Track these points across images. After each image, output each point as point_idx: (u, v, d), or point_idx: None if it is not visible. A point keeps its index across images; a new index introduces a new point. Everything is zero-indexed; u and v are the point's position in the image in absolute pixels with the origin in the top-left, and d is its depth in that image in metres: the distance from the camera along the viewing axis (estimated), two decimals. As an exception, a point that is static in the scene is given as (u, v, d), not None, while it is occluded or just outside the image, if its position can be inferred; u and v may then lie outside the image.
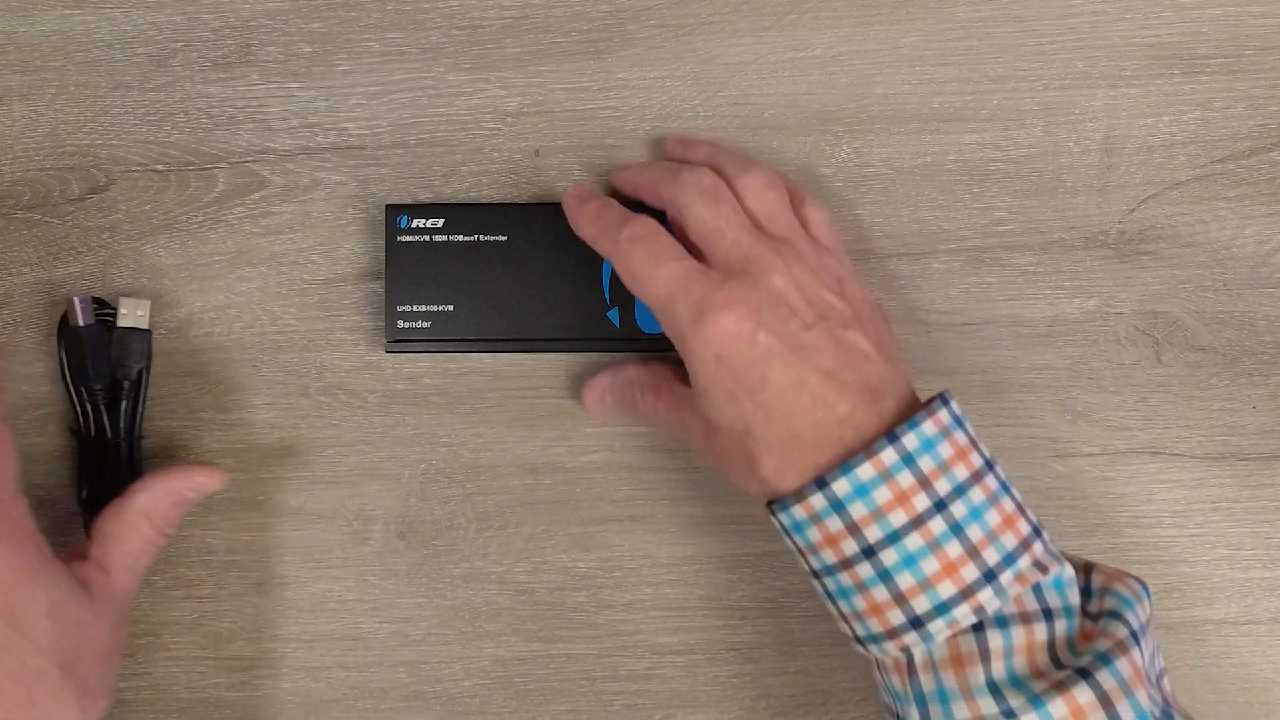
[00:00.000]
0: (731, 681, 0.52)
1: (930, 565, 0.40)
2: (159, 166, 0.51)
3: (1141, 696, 0.39)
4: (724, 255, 0.43)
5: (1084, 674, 0.39)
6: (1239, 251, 0.50)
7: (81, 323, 0.49)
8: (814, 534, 0.41)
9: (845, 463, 0.40)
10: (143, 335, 0.50)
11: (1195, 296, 0.50)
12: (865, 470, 0.40)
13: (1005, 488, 0.42)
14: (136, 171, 0.51)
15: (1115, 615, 0.41)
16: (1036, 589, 0.41)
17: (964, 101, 0.50)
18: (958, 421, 0.42)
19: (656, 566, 0.51)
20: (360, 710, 0.51)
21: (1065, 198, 0.50)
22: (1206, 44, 0.50)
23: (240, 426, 0.52)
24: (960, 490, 0.41)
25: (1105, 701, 0.38)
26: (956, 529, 0.40)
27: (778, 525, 0.43)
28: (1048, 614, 0.41)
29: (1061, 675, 0.39)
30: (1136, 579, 0.43)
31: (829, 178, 0.50)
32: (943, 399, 0.42)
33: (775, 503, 0.43)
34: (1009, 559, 0.40)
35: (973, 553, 0.40)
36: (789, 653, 0.51)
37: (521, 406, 0.51)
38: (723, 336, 0.41)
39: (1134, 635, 0.40)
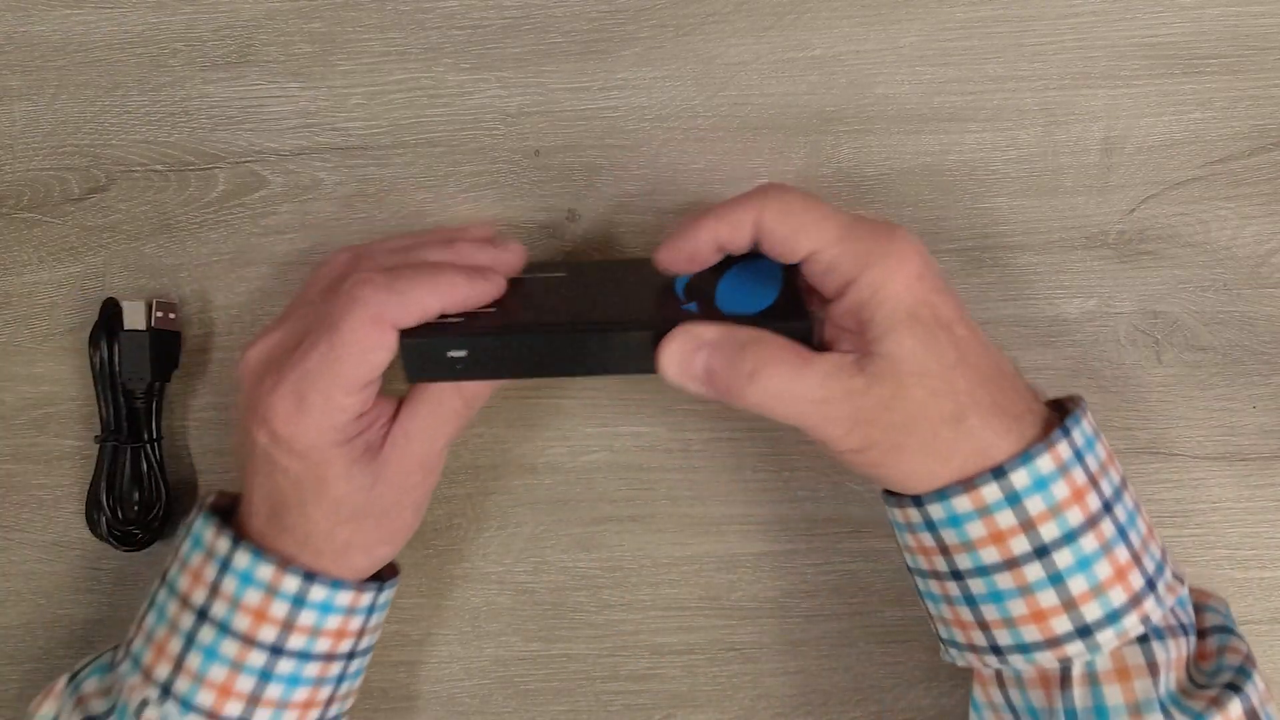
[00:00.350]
0: (731, 681, 0.52)
1: (1104, 569, 0.38)
2: (159, 166, 0.51)
3: (1274, 708, 0.39)
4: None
5: (1234, 689, 0.38)
6: (1239, 251, 0.50)
7: (143, 326, 0.49)
8: (977, 529, 0.38)
9: (1025, 452, 0.38)
10: (175, 338, 0.50)
11: (1195, 296, 0.50)
12: (1045, 462, 0.38)
13: (1122, 533, 0.40)
14: (136, 171, 0.51)
15: (1228, 631, 0.41)
16: (1180, 602, 0.40)
17: (964, 101, 0.50)
18: (1078, 456, 0.40)
19: (656, 566, 0.52)
20: (360, 710, 0.51)
21: (1065, 198, 0.50)
22: (1206, 44, 0.50)
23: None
24: (1119, 492, 0.39)
25: (1252, 715, 0.38)
26: (1122, 532, 0.39)
27: (918, 518, 0.40)
28: (1185, 629, 0.40)
29: (1213, 691, 0.38)
30: (1216, 595, 0.44)
31: (829, 178, 0.50)
32: (1063, 428, 0.39)
33: (928, 493, 0.39)
34: (1159, 568, 0.40)
35: (1136, 558, 0.39)
36: (789, 653, 0.51)
37: (521, 406, 0.51)
38: (919, 265, 0.38)
39: (1250, 652, 0.40)
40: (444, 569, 0.52)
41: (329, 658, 0.42)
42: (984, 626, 0.40)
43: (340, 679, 0.43)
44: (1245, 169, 0.50)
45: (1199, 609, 0.42)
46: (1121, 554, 0.38)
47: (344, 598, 0.42)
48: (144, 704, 0.41)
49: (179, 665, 0.41)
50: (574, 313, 0.42)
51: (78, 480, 0.52)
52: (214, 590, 0.41)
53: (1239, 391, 0.50)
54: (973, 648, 0.41)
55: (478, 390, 0.42)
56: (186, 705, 0.41)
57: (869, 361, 0.38)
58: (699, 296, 0.42)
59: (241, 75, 0.51)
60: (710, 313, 0.41)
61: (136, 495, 0.50)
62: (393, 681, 0.52)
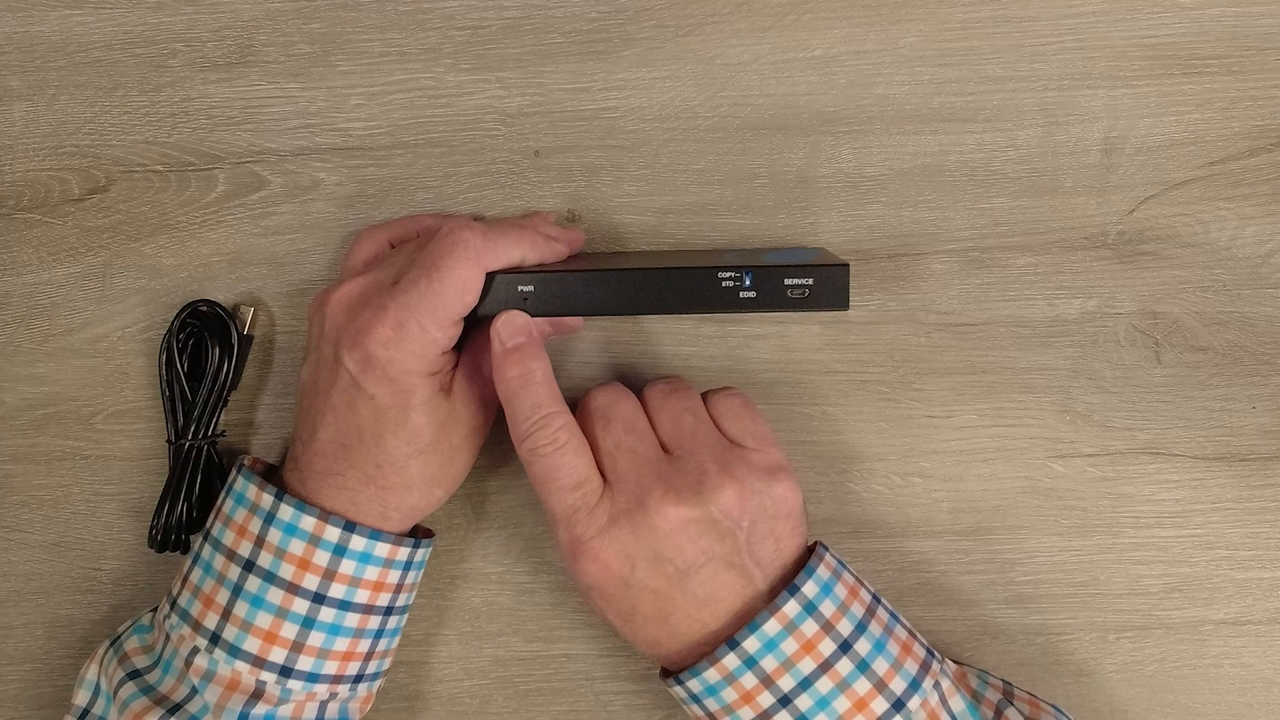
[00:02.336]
0: (731, 681, 0.52)
1: (842, 704, 0.42)
2: (159, 167, 0.51)
3: None
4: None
5: None
6: (1239, 252, 0.50)
7: (248, 331, 0.50)
8: (729, 694, 0.42)
9: (751, 621, 0.42)
10: (250, 341, 0.51)
11: (1195, 297, 0.50)
12: (771, 625, 0.41)
13: (895, 616, 0.44)
14: (136, 172, 0.51)
15: None
16: (951, 715, 0.43)
17: (964, 101, 0.50)
18: (841, 563, 0.44)
19: (656, 566, 0.51)
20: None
21: (1065, 198, 0.50)
22: (1206, 44, 0.50)
23: (241, 426, 0.52)
24: (861, 627, 0.42)
25: None
26: (863, 666, 0.42)
27: (684, 693, 0.44)
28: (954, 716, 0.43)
29: None
30: (1052, 705, 0.46)
31: (829, 178, 0.50)
32: (821, 545, 0.44)
33: (680, 672, 0.43)
34: (914, 685, 0.42)
35: (880, 686, 0.42)
36: (789, 653, 0.51)
37: (521, 407, 0.51)
38: (598, 573, 0.43)
39: None
40: (444, 569, 0.52)
41: (368, 609, 0.45)
42: None
43: (378, 634, 0.46)
44: (1245, 169, 0.50)
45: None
46: (861, 686, 0.42)
47: (382, 549, 0.44)
48: (194, 652, 0.44)
49: (227, 614, 0.43)
50: (627, 264, 0.46)
51: (78, 480, 0.52)
52: (259, 542, 0.44)
53: (1239, 392, 0.50)
54: None
55: None
56: (234, 652, 0.43)
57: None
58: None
59: (241, 75, 0.51)
60: (758, 268, 0.43)
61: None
62: (393, 681, 0.52)
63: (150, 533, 0.49)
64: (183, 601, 0.45)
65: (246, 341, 0.50)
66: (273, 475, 0.47)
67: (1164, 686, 0.51)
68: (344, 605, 0.44)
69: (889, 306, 0.50)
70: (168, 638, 0.45)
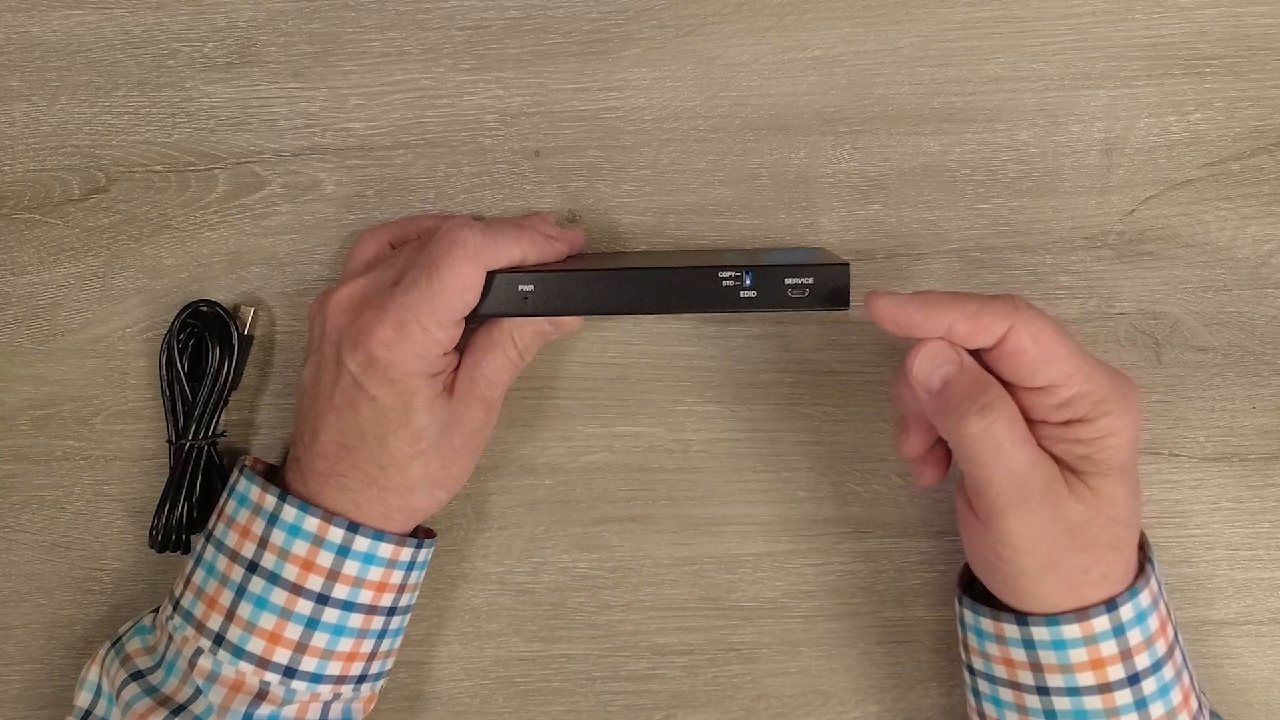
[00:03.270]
0: (731, 681, 0.52)
1: (1176, 696, 0.42)
2: (159, 167, 0.51)
3: None
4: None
5: None
6: (1239, 252, 0.50)
7: (248, 331, 0.50)
8: (1079, 655, 0.41)
9: (1132, 587, 0.41)
10: (250, 341, 0.51)
11: (1195, 297, 0.50)
12: (1145, 597, 0.41)
13: (1185, 661, 0.44)
14: (137, 172, 0.51)
15: None
16: None
17: (964, 102, 0.50)
18: (1161, 590, 0.44)
19: (656, 566, 0.52)
20: (360, 710, 0.51)
21: (1065, 198, 0.50)
22: (1206, 44, 0.50)
23: (242, 426, 0.52)
24: (1157, 666, 0.42)
25: None
26: (1141, 704, 0.41)
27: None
28: None
29: None
30: None
31: (829, 178, 0.50)
32: (1151, 563, 0.44)
33: (967, 597, 0.43)
34: (1201, 690, 0.44)
35: (1194, 682, 0.43)
36: (789, 653, 0.51)
37: (521, 406, 0.51)
38: (1139, 426, 0.41)
39: None
40: (444, 569, 0.52)
41: (371, 610, 0.45)
42: (983, 718, 0.44)
43: (382, 634, 0.46)
44: (1245, 169, 0.50)
45: None
46: (1186, 679, 0.43)
47: (385, 549, 0.44)
48: (198, 653, 0.44)
49: (230, 615, 0.44)
50: (628, 263, 0.46)
51: (78, 480, 0.52)
52: (262, 543, 0.44)
53: (1239, 392, 0.50)
54: None
55: (529, 342, 0.46)
56: (238, 653, 0.43)
57: (1078, 486, 0.40)
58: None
59: (242, 76, 0.51)
60: (758, 267, 0.43)
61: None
62: (393, 681, 0.52)
63: (150, 533, 0.49)
64: (186, 603, 0.45)
65: (247, 341, 0.50)
66: (273, 476, 0.47)
67: (1164, 686, 0.51)
68: (348, 606, 0.44)
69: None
70: (170, 639, 0.45)
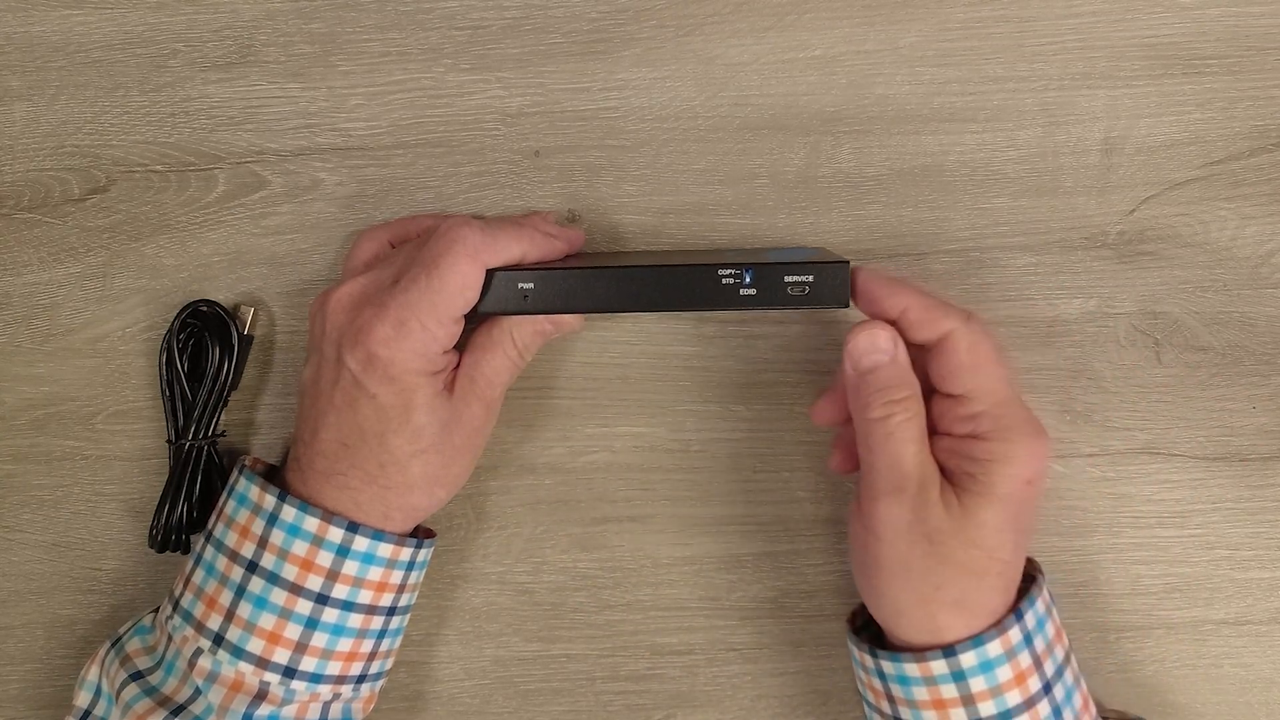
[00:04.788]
0: (731, 681, 0.52)
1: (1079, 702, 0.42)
2: (159, 167, 0.51)
3: None
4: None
5: None
6: (1239, 252, 0.50)
7: (248, 331, 0.50)
8: (921, 693, 0.42)
9: (977, 635, 0.41)
10: (250, 341, 0.51)
11: (1195, 297, 0.50)
12: (994, 647, 0.41)
13: (1078, 668, 0.44)
14: (137, 172, 0.51)
15: None
16: None
17: (964, 101, 0.50)
18: (1051, 598, 0.44)
19: (656, 566, 0.52)
20: (360, 710, 0.51)
21: (1065, 198, 0.50)
22: (1206, 44, 0.50)
23: (242, 426, 0.52)
24: (1060, 671, 0.42)
25: None
26: (1057, 712, 0.42)
27: (873, 667, 0.43)
28: None
29: None
30: None
31: (829, 178, 0.50)
32: (1041, 573, 0.44)
33: (883, 650, 0.43)
34: None
35: None
36: (789, 653, 0.51)
37: (521, 406, 0.51)
38: (1040, 471, 0.42)
39: None
40: (444, 569, 0.52)
41: (371, 610, 0.45)
42: None
43: (381, 634, 0.46)
44: (1245, 169, 0.50)
45: None
46: (1083, 683, 0.42)
47: (385, 549, 0.44)
48: (197, 653, 0.44)
49: (230, 615, 0.44)
50: (627, 261, 0.46)
51: (78, 480, 0.52)
52: (262, 543, 0.44)
53: (1239, 392, 0.50)
54: None
55: (529, 341, 0.46)
56: (238, 653, 0.43)
57: (950, 498, 0.41)
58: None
59: (241, 75, 0.51)
60: (758, 265, 0.43)
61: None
62: (393, 681, 0.52)
63: (150, 533, 0.49)
64: (185, 603, 0.45)
65: (247, 341, 0.50)
66: (274, 476, 0.47)
67: (1164, 686, 0.51)
68: (347, 606, 0.44)
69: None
70: (170, 639, 0.45)
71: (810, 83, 0.50)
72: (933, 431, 0.43)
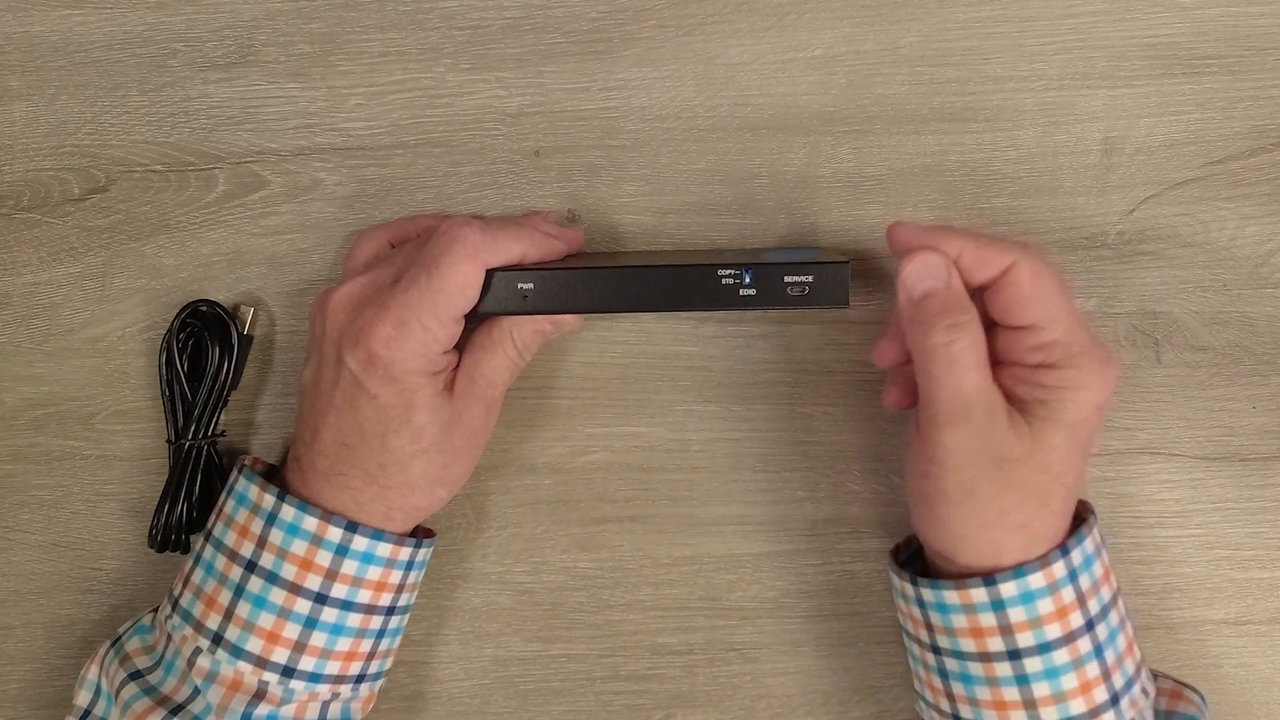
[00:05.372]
0: (731, 681, 0.52)
1: (1069, 681, 0.41)
2: (159, 167, 0.51)
3: None
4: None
5: None
6: (1239, 252, 0.50)
7: (248, 331, 0.50)
8: (960, 621, 0.42)
9: (1019, 566, 0.41)
10: (250, 341, 0.51)
11: (1195, 296, 0.50)
12: (1036, 579, 0.41)
13: (1126, 611, 0.44)
14: (136, 172, 0.51)
15: None
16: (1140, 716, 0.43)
17: (964, 101, 0.50)
18: (1103, 540, 0.44)
19: (656, 566, 0.52)
20: (360, 710, 0.51)
21: (1065, 198, 0.50)
22: (1206, 44, 0.50)
23: (242, 426, 0.52)
24: (1105, 611, 0.42)
25: None
26: (1099, 650, 0.41)
27: (911, 594, 0.43)
28: None
29: None
30: (1193, 688, 0.45)
31: (829, 178, 0.50)
32: (1093, 514, 0.43)
33: (923, 577, 0.43)
34: (1129, 684, 0.42)
35: (1106, 675, 0.42)
36: (789, 653, 0.51)
37: (521, 406, 0.51)
38: (1109, 396, 0.41)
39: None
40: (444, 569, 0.52)
41: (370, 609, 0.45)
42: (950, 698, 0.44)
43: (380, 634, 0.46)
44: (1245, 169, 0.50)
45: (1170, 715, 0.45)
46: (1092, 669, 0.41)
47: (384, 549, 0.44)
48: (196, 652, 0.44)
49: (229, 614, 0.43)
50: (627, 261, 0.46)
51: (78, 480, 0.52)
52: (261, 543, 0.44)
53: (1239, 392, 0.50)
54: (939, 711, 0.45)
55: (529, 341, 0.46)
56: (236, 652, 0.43)
57: (1020, 425, 0.41)
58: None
59: (241, 75, 0.51)
60: (758, 265, 0.43)
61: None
62: (393, 681, 0.52)
63: (150, 533, 0.49)
64: (184, 602, 0.45)
65: (246, 341, 0.50)
66: (273, 475, 0.47)
67: (1164, 686, 0.51)
68: (346, 605, 0.44)
69: (889, 306, 0.50)
70: (169, 638, 0.45)
71: (810, 83, 0.50)
72: (997, 362, 0.42)
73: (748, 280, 0.43)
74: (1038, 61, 0.50)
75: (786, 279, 0.43)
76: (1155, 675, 0.47)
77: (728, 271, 0.43)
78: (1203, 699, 0.45)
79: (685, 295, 0.43)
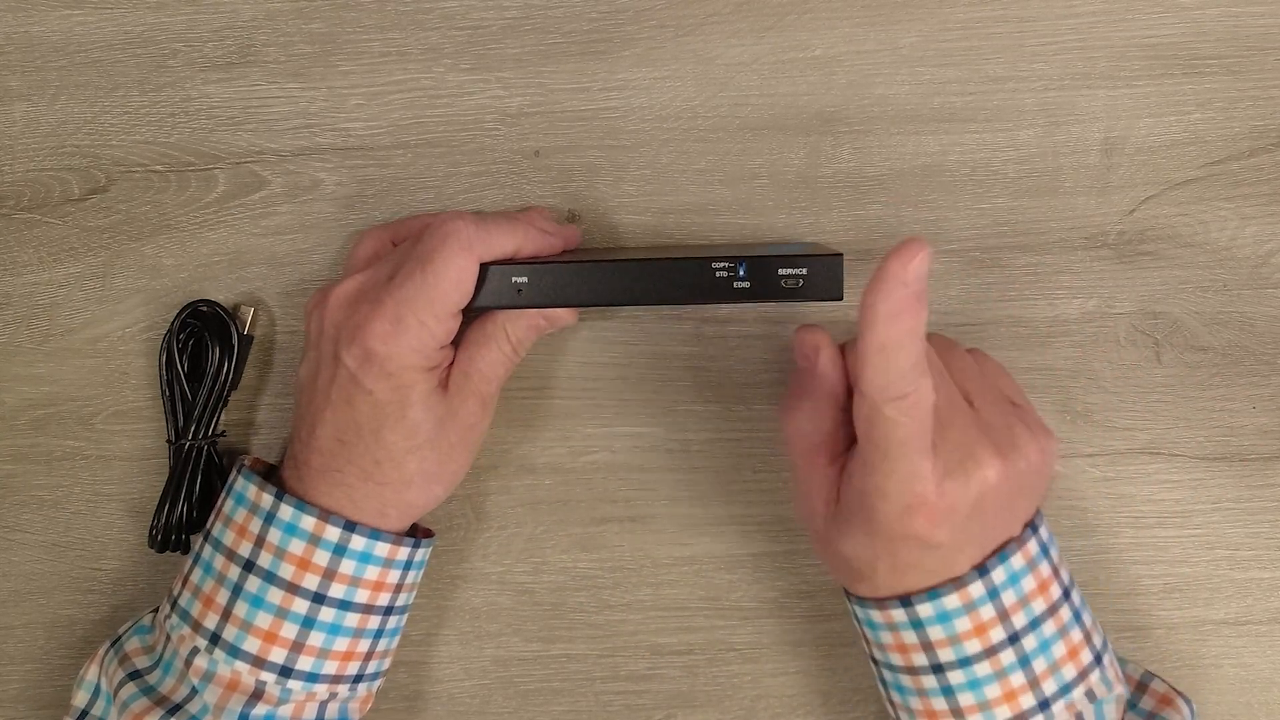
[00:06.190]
0: (731, 681, 0.52)
1: (992, 690, 0.42)
2: (159, 167, 0.51)
3: None
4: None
5: None
6: (1239, 252, 0.50)
7: (248, 331, 0.50)
8: (886, 637, 0.43)
9: (933, 589, 0.41)
10: (250, 341, 0.51)
11: (1195, 297, 0.50)
12: (951, 600, 0.41)
13: (1077, 616, 0.44)
14: (136, 172, 0.51)
15: None
16: (1079, 717, 0.43)
17: (964, 101, 0.50)
18: (1044, 551, 0.43)
19: (656, 566, 0.52)
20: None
21: (1065, 198, 0.50)
22: (1206, 44, 0.50)
23: (242, 426, 0.52)
24: (1035, 624, 0.42)
25: None
26: (1024, 661, 0.42)
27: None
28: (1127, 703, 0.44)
29: None
30: (1185, 699, 0.45)
31: (829, 178, 0.50)
32: (1032, 526, 0.43)
33: (854, 595, 0.44)
34: (1065, 689, 0.42)
35: (1034, 683, 0.42)
36: (789, 653, 0.51)
37: (521, 406, 0.51)
38: (917, 530, 0.40)
39: None
40: (444, 569, 0.52)
41: (367, 609, 0.45)
42: (892, 704, 0.45)
43: (378, 634, 0.46)
44: (1245, 169, 0.50)
45: (1153, 717, 0.45)
46: (1017, 679, 0.42)
47: (382, 549, 0.44)
48: (194, 652, 0.44)
49: (227, 614, 0.43)
50: (622, 255, 0.46)
51: (78, 480, 0.52)
52: (259, 542, 0.44)
53: (1239, 392, 0.50)
54: (891, 716, 0.45)
55: (523, 336, 0.46)
56: (234, 652, 0.43)
57: (834, 500, 0.43)
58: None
59: (241, 75, 0.51)
60: (752, 258, 0.43)
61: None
62: (393, 681, 0.52)
63: (150, 533, 0.49)
64: (183, 602, 0.45)
65: (247, 341, 0.50)
66: (273, 475, 0.47)
67: (1164, 686, 0.51)
68: (344, 605, 0.44)
69: None
70: (168, 638, 0.45)
71: (810, 83, 0.50)
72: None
73: (742, 273, 0.43)
74: (1038, 61, 0.50)
75: (781, 272, 0.42)
76: (1151, 677, 0.47)
77: (722, 265, 0.43)
78: (1192, 710, 0.45)
79: (679, 289, 0.43)
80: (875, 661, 0.45)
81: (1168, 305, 0.50)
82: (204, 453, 0.49)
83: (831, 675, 0.51)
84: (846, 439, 0.43)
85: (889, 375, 0.38)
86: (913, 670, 0.43)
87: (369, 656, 0.46)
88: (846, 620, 0.51)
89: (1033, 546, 0.43)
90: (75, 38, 0.51)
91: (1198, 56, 0.50)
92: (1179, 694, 0.46)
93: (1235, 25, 0.49)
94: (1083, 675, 0.43)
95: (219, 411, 0.50)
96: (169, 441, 0.50)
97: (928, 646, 0.42)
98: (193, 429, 0.49)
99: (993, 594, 0.42)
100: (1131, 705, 0.46)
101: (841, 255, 0.42)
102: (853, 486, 0.41)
